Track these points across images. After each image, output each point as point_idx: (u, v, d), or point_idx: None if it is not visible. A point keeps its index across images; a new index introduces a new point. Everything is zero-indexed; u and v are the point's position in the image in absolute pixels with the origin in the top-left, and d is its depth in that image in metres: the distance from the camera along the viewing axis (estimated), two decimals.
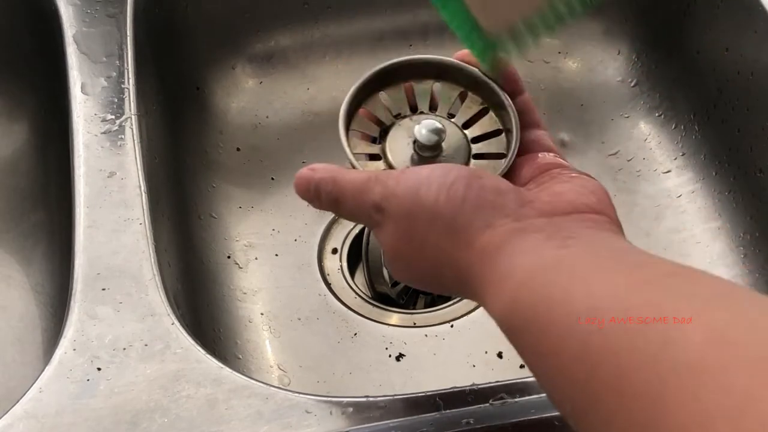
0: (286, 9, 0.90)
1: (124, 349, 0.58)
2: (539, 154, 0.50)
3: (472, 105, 0.53)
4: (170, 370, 0.57)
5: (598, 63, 0.93)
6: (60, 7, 0.78)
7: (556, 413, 0.55)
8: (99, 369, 0.57)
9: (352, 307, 0.78)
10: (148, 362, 0.58)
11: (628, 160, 0.87)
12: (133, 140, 0.70)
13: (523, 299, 0.41)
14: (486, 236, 0.43)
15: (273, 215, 0.83)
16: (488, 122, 0.52)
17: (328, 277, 0.80)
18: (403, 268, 0.48)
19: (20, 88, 0.85)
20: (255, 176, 0.86)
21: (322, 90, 0.91)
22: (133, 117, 0.72)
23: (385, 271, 0.77)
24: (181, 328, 0.60)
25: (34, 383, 0.57)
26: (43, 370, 0.57)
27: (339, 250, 0.81)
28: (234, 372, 0.58)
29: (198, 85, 0.88)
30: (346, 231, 0.83)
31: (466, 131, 0.52)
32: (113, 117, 0.71)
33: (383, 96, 0.53)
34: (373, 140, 0.53)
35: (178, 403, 0.56)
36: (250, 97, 0.90)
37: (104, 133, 0.70)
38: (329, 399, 0.56)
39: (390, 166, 0.51)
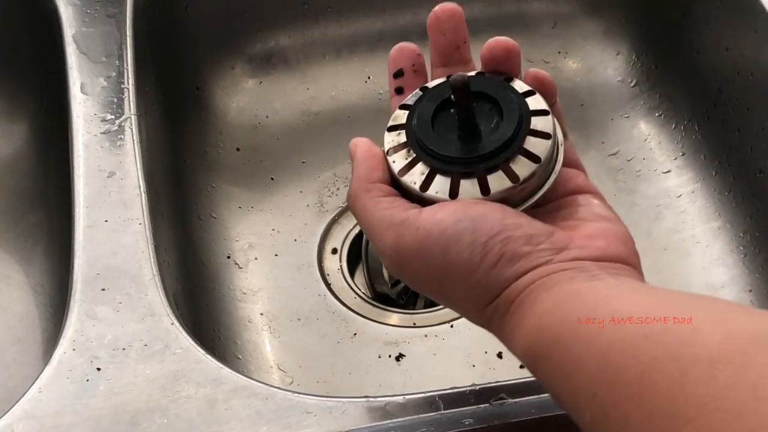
0: (286, 9, 0.90)
1: (124, 349, 0.58)
2: (566, 171, 0.49)
3: None
4: (170, 371, 0.57)
5: (598, 63, 0.93)
6: (60, 7, 0.78)
7: (556, 413, 0.55)
8: (98, 369, 0.57)
9: (352, 307, 0.78)
10: (148, 362, 0.58)
11: (628, 160, 0.87)
12: (133, 140, 0.70)
13: (547, 324, 0.42)
14: (516, 284, 0.44)
15: (273, 215, 0.83)
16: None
17: (327, 277, 0.80)
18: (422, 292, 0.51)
19: (20, 88, 0.85)
20: (255, 176, 0.86)
21: (322, 90, 0.91)
22: (132, 117, 0.72)
23: (385, 272, 0.77)
24: (180, 329, 0.59)
25: (33, 383, 0.57)
26: (42, 371, 0.57)
27: (339, 251, 0.81)
28: (234, 372, 0.58)
29: (198, 85, 0.88)
30: (346, 231, 0.83)
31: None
32: (113, 117, 0.71)
33: None
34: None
35: (178, 404, 0.56)
36: (250, 97, 0.90)
37: (104, 133, 0.70)
38: (329, 399, 0.56)
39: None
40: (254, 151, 0.87)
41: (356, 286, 0.80)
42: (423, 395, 0.56)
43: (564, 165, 0.49)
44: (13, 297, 0.76)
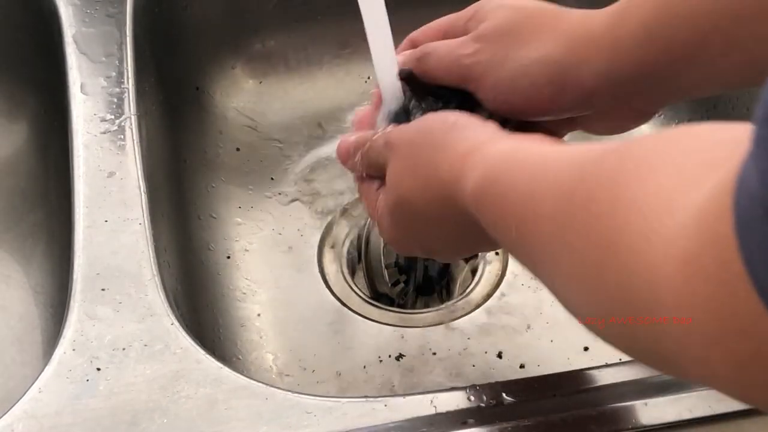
0: (286, 9, 0.90)
1: (124, 349, 0.58)
2: None
3: None
4: (170, 371, 0.57)
5: None
6: (60, 7, 0.78)
7: (557, 414, 0.55)
8: (98, 369, 0.57)
9: (352, 307, 0.78)
10: (148, 362, 0.58)
11: None
12: (133, 140, 0.70)
13: (498, 165, 0.50)
14: (469, 143, 0.54)
15: (273, 215, 0.83)
16: None
17: (327, 277, 0.80)
18: (400, 208, 0.57)
19: (20, 88, 0.85)
20: (255, 176, 0.86)
21: (322, 90, 0.91)
22: (132, 117, 0.72)
23: (384, 272, 0.77)
24: (180, 329, 0.60)
25: (33, 383, 0.57)
26: (42, 371, 0.57)
27: (339, 251, 0.81)
28: (234, 372, 0.58)
29: (198, 85, 0.88)
30: (345, 231, 0.83)
31: None
32: (113, 117, 0.71)
33: None
34: None
35: (178, 404, 0.56)
36: (250, 97, 0.90)
37: (104, 133, 0.70)
38: (329, 399, 0.56)
39: None
40: (254, 151, 0.87)
41: (356, 286, 0.79)
42: (422, 395, 0.56)
43: None
44: (13, 297, 0.76)
